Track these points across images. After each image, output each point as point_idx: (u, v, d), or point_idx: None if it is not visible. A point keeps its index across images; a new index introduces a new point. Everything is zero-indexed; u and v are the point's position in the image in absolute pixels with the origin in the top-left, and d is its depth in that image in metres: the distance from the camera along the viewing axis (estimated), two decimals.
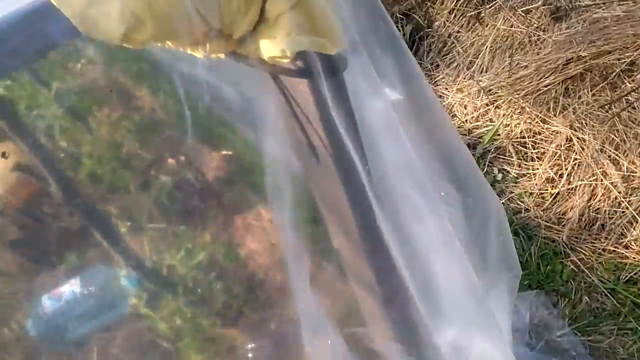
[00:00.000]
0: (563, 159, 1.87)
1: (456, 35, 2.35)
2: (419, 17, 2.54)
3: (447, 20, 2.41)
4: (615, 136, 1.80)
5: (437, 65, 2.39)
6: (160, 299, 1.31)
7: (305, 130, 0.65)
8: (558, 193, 1.85)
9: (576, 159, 1.84)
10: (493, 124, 2.06)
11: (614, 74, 1.86)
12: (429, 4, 2.61)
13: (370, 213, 0.64)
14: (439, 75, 2.35)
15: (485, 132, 2.08)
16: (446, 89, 2.27)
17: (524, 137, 1.97)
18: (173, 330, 1.28)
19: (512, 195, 1.91)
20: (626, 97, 1.82)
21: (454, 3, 2.45)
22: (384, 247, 0.66)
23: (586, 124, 1.85)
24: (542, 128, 1.93)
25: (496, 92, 2.06)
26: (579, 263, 1.69)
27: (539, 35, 2.09)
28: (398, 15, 2.63)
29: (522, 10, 2.16)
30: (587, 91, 1.90)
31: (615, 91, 1.88)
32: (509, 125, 2.02)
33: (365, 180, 0.62)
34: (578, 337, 1.56)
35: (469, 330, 0.78)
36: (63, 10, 0.43)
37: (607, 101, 1.85)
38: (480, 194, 0.86)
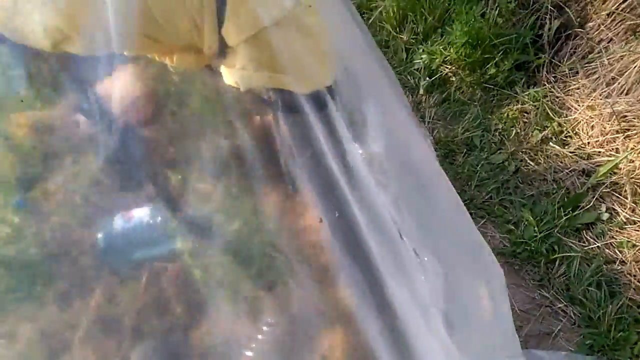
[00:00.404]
0: None
1: (607, 44, 2.05)
2: (573, 12, 2.24)
3: (603, 24, 2.10)
4: None
5: (576, 72, 2.12)
6: (203, 249, 1.38)
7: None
8: None
9: None
10: (617, 155, 1.80)
11: None
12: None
13: None
14: (574, 84, 2.09)
15: (606, 161, 1.83)
16: (577, 101, 2.01)
17: None
18: (210, 280, 1.34)
19: (611, 240, 1.69)
20: None
21: (616, 5, 2.12)
22: None
23: None
24: None
25: (631, 121, 1.78)
26: None
27: None
28: (549, 6, 2.34)
29: None
30: None
31: None
32: (634, 161, 1.75)
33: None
34: None
35: None
36: None
37: None
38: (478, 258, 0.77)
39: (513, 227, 1.80)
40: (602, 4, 2.21)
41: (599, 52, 2.04)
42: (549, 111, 2.04)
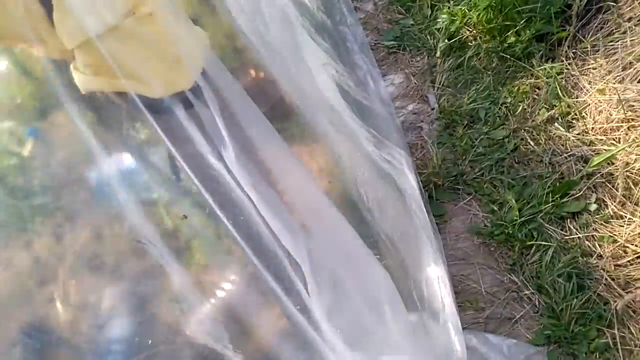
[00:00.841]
0: None
1: (636, 23, 1.90)
2: None
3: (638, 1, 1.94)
4: None
5: (597, 50, 1.99)
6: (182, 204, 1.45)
7: None
8: None
9: None
10: (616, 146, 1.72)
11: None
12: None
13: None
14: (591, 64, 1.97)
15: (605, 150, 1.75)
16: (589, 82, 1.91)
17: (639, 176, 1.63)
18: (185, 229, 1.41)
19: (594, 233, 1.65)
20: None
21: None
22: None
23: None
24: None
25: (637, 111, 1.69)
26: (617, 341, 1.46)
27: None
28: None
29: None
30: None
31: None
32: (632, 154, 1.67)
33: None
34: None
35: None
36: None
37: None
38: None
39: (497, 208, 1.78)
40: None
41: (624, 32, 1.90)
42: (560, 90, 1.95)
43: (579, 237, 1.66)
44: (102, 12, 0.48)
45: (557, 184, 1.77)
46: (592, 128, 1.82)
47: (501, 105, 2.07)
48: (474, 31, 2.31)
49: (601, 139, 1.78)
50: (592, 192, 1.73)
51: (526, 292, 1.61)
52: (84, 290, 1.40)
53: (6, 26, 0.49)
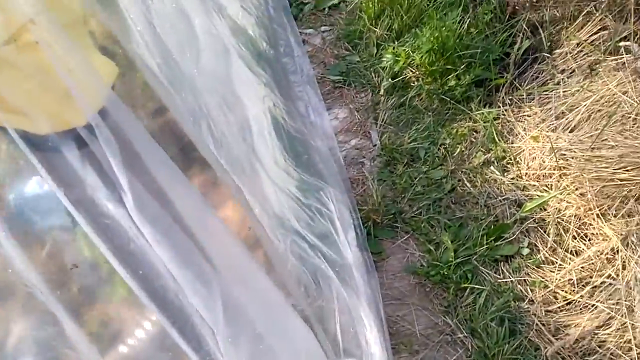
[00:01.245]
0: (597, 269, 1.57)
1: (568, 75, 1.99)
2: (546, 35, 2.17)
3: (570, 53, 2.04)
4: None
5: (532, 99, 2.06)
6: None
7: None
8: (572, 302, 1.58)
9: (610, 276, 1.54)
10: (549, 192, 1.77)
11: None
12: (565, 23, 2.21)
13: None
14: (526, 111, 2.04)
15: (537, 196, 1.79)
16: (524, 129, 1.97)
17: (570, 223, 1.67)
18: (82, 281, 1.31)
19: (525, 278, 1.67)
20: None
21: (589, 35, 2.06)
22: None
23: None
24: (594, 224, 1.62)
25: (568, 160, 1.74)
26: None
27: None
28: (524, 25, 2.27)
29: None
30: None
31: None
32: (563, 201, 1.72)
33: None
34: None
35: None
36: None
37: None
38: None
39: (433, 248, 1.77)
40: (577, 31, 2.15)
41: (557, 83, 1.98)
42: (496, 134, 2.00)
43: (512, 281, 1.67)
44: None
45: (492, 226, 1.79)
46: (526, 173, 1.86)
47: (440, 145, 2.10)
48: (417, 72, 2.36)
49: (534, 185, 1.83)
50: (525, 236, 1.76)
51: (460, 335, 1.60)
52: None
53: None
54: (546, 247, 1.70)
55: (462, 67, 2.22)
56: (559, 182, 1.77)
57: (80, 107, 0.49)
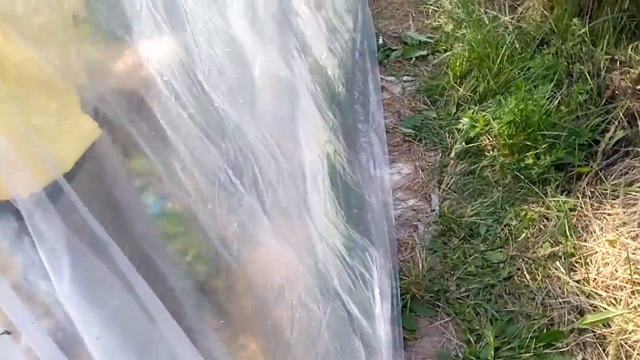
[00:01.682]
0: None
1: None
2: None
3: None
4: None
5: (617, 196, 1.87)
6: None
7: None
8: None
9: None
10: (616, 308, 1.57)
11: None
12: None
13: None
14: (607, 209, 1.85)
15: (603, 308, 1.60)
16: (601, 228, 1.78)
17: (634, 349, 1.46)
18: None
19: None
20: None
21: None
22: None
23: None
24: None
25: None
26: None
27: None
28: (621, 113, 2.08)
29: None
30: None
31: None
32: (631, 322, 1.51)
33: None
34: None
35: None
36: None
37: None
38: None
39: (473, 340, 1.61)
40: None
41: None
42: (568, 228, 1.81)
43: None
44: None
45: (545, 330, 1.61)
46: (595, 279, 1.67)
47: (504, 226, 1.93)
48: (494, 142, 2.21)
49: (601, 295, 1.63)
50: (580, 350, 1.56)
51: None
52: None
53: None
54: None
55: (543, 145, 2.06)
56: (629, 298, 1.56)
57: (23, 178, 0.45)
